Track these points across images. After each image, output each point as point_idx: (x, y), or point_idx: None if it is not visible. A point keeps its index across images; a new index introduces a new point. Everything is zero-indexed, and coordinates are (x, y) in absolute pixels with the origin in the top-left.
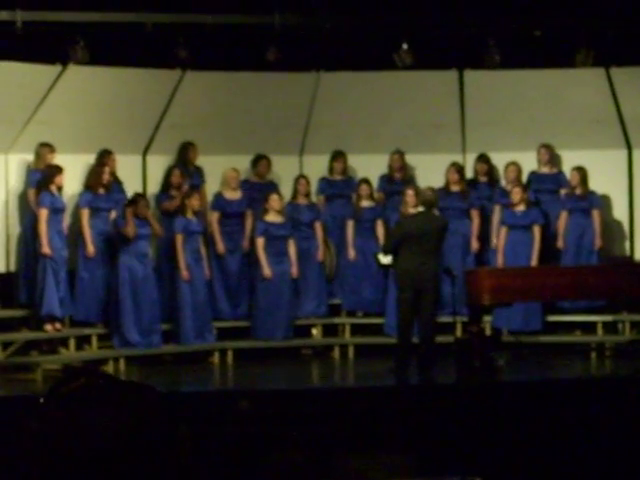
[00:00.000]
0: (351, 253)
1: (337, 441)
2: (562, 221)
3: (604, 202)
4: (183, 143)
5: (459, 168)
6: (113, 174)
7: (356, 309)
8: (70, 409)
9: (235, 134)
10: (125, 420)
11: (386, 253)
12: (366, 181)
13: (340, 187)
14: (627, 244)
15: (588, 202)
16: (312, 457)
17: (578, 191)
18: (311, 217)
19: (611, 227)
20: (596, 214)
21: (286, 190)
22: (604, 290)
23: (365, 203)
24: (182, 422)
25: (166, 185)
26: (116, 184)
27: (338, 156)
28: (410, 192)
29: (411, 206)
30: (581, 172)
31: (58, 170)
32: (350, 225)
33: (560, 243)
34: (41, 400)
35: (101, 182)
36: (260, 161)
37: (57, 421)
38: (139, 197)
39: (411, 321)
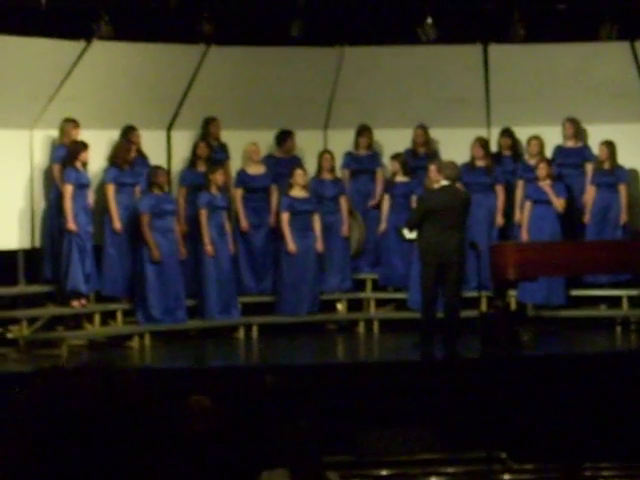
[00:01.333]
0: (383, 227)
1: (362, 415)
2: (589, 195)
3: (630, 176)
4: (206, 118)
5: (484, 143)
6: (138, 149)
7: (390, 284)
8: (52, 381)
9: (259, 109)
10: (100, 388)
11: (410, 228)
12: (399, 156)
13: (365, 162)
14: None
15: (615, 176)
16: (318, 425)
17: (606, 165)
18: (335, 192)
19: (637, 201)
20: (622, 189)
21: (310, 165)
22: (629, 264)
23: (399, 178)
24: (207, 396)
25: (193, 160)
26: (141, 159)
27: (363, 131)
28: (433, 167)
29: (435, 181)
30: (610, 146)
31: (83, 146)
32: (385, 200)
33: (587, 217)
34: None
35: (128, 158)
36: (288, 137)
37: (40, 391)
38: (156, 169)
39: (435, 296)
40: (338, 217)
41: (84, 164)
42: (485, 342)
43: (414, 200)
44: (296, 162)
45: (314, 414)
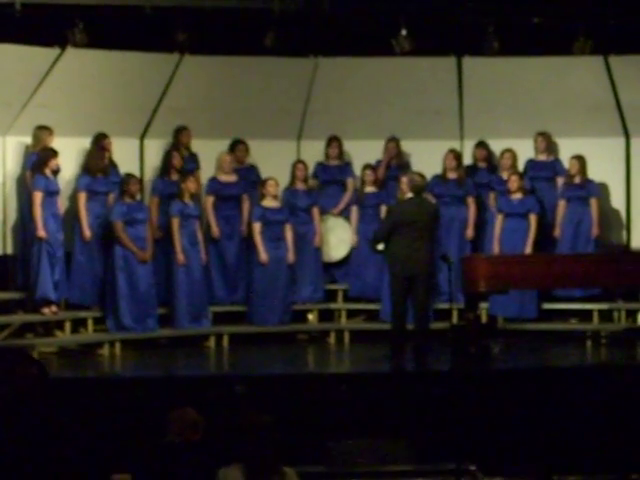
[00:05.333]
0: (354, 239)
1: (332, 426)
2: (560, 210)
3: (601, 190)
4: (177, 127)
5: (457, 155)
6: (109, 157)
7: (361, 295)
8: None
9: (233, 118)
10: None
11: (377, 240)
12: (370, 166)
13: (335, 172)
14: (624, 233)
15: (586, 190)
16: (280, 419)
17: (577, 180)
18: (308, 202)
19: (608, 216)
20: (594, 202)
21: (284, 175)
22: (600, 278)
23: (369, 189)
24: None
25: (165, 169)
26: (112, 167)
27: (332, 141)
28: (404, 179)
29: (406, 193)
30: (580, 160)
31: (53, 153)
32: (354, 211)
33: (557, 232)
34: None
35: (101, 166)
36: (236, 146)
37: None
38: (129, 177)
39: (404, 307)
40: (311, 227)
41: (54, 171)
42: (455, 354)
43: (384, 211)
44: (252, 171)
45: (284, 424)
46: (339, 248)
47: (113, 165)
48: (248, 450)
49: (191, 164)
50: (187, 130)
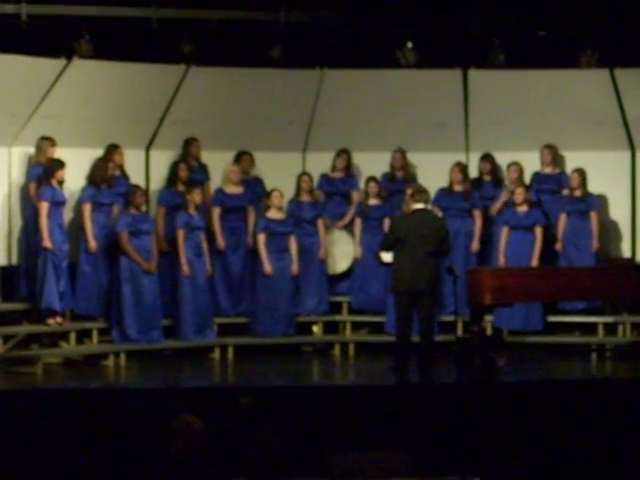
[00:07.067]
0: (358, 251)
1: (336, 438)
2: (561, 223)
3: (606, 203)
4: (186, 138)
5: (463, 168)
6: (121, 167)
7: (365, 308)
8: None
9: (239, 130)
10: None
11: (383, 250)
12: (374, 179)
13: (339, 185)
14: (629, 245)
15: (586, 204)
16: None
17: (577, 193)
18: (314, 214)
19: (613, 228)
20: (594, 216)
21: (289, 187)
22: (605, 291)
23: (372, 201)
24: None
25: (172, 180)
26: (123, 178)
27: (342, 153)
28: (409, 191)
29: (410, 205)
30: (581, 174)
31: (60, 164)
32: (357, 223)
33: (558, 245)
34: None
35: (105, 177)
36: (241, 157)
37: None
38: (134, 189)
39: (409, 320)
40: (316, 239)
41: (60, 182)
42: (460, 367)
43: (387, 224)
44: (256, 183)
45: (287, 436)
46: (342, 261)
47: (124, 175)
48: (250, 465)
49: (201, 175)
50: (196, 141)
